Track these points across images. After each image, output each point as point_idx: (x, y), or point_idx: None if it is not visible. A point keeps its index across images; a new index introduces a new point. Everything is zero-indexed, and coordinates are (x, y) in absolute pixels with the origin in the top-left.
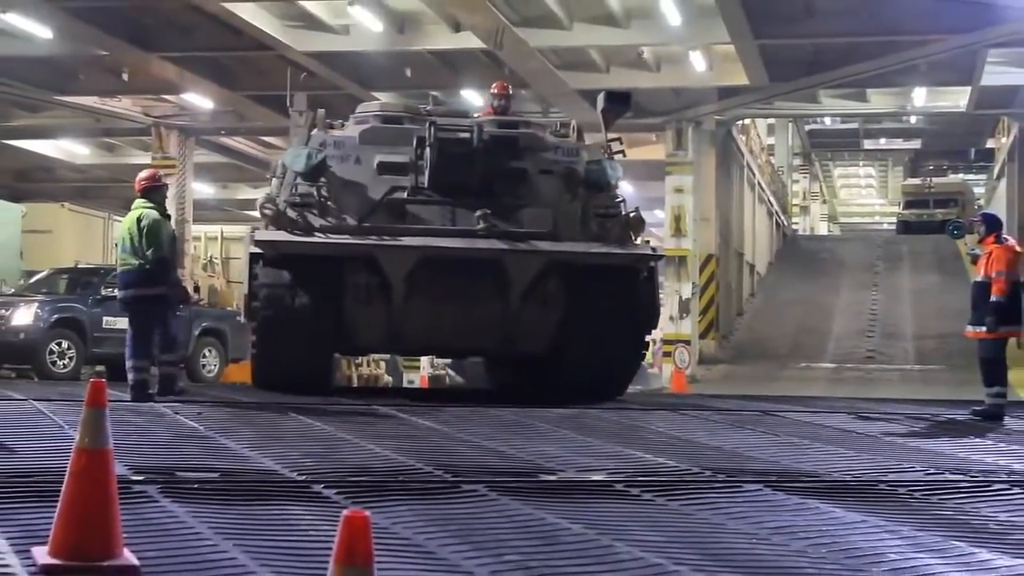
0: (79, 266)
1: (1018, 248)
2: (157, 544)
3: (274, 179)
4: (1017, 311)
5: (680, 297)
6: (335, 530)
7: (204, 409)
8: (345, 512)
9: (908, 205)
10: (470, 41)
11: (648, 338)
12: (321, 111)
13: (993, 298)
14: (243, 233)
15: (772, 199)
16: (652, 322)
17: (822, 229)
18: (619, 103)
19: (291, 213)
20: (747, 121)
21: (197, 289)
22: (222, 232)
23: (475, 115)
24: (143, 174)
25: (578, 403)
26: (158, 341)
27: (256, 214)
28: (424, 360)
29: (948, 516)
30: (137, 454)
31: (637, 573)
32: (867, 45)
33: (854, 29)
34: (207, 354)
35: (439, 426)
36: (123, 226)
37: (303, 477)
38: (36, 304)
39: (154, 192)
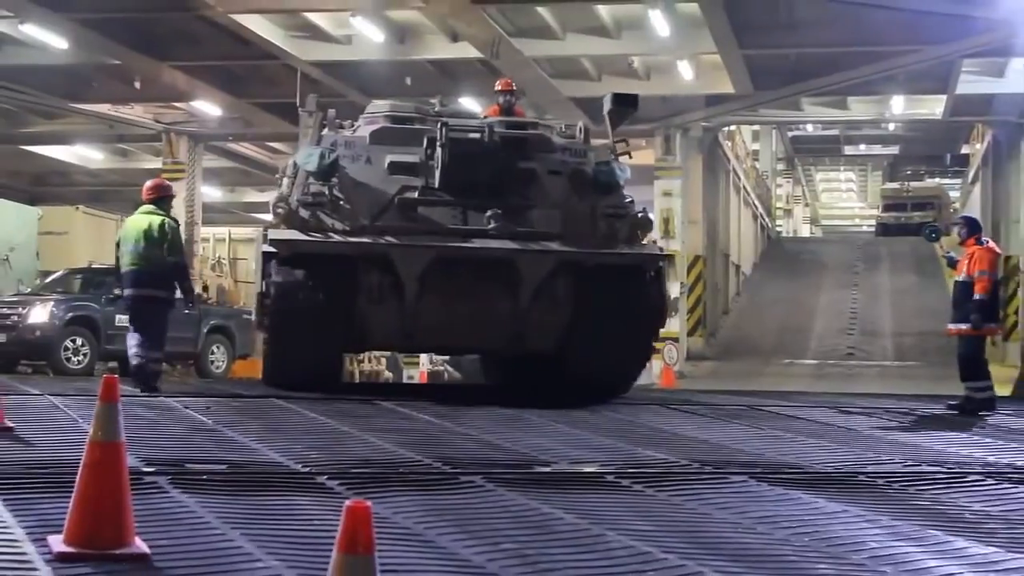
0: (93, 266)
1: (997, 249)
2: (167, 533)
3: (285, 179)
4: (996, 310)
5: (668, 296)
6: (338, 520)
7: (212, 404)
8: (347, 502)
9: (887, 208)
10: (467, 51)
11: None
12: (332, 110)
13: (977, 296)
14: (250, 235)
15: (757, 202)
16: (660, 321)
17: (805, 231)
18: (626, 105)
19: (303, 212)
20: (733, 128)
21: (206, 288)
22: (230, 234)
23: (482, 115)
24: (152, 183)
25: (578, 400)
26: (148, 339)
27: (263, 216)
28: (423, 357)
29: (925, 506)
30: (148, 447)
31: (627, 561)
32: (848, 55)
33: (835, 40)
34: (215, 350)
35: (438, 420)
36: (135, 228)
37: (307, 469)
38: (52, 303)
39: (164, 200)
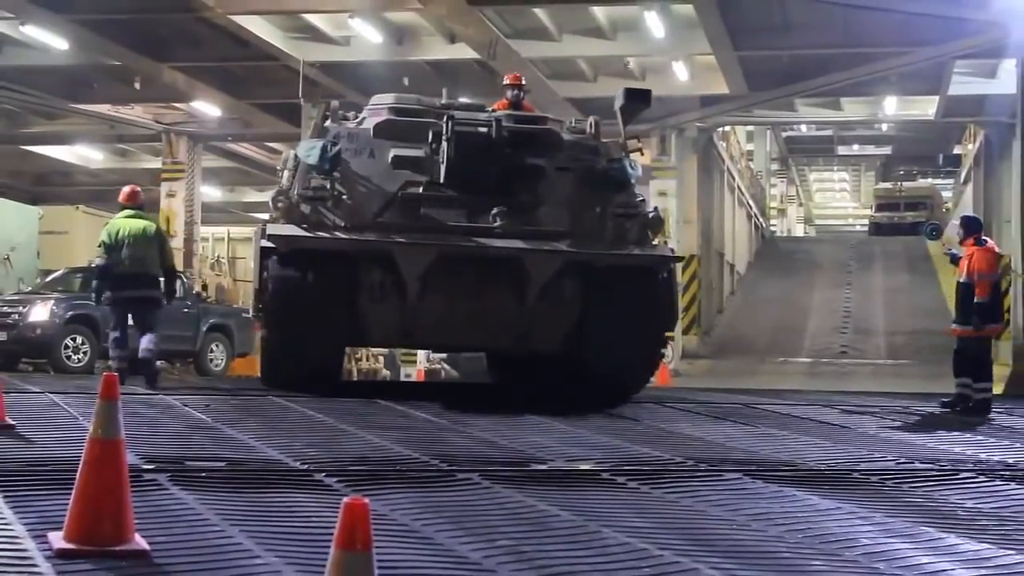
0: (93, 266)
1: (996, 249)
2: (167, 529)
3: (285, 172)
4: (998, 309)
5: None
6: (336, 516)
7: (211, 401)
8: (345, 499)
9: (880, 208)
10: (465, 52)
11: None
12: (335, 102)
13: (977, 300)
14: (249, 234)
15: (751, 202)
16: (671, 322)
17: (798, 231)
18: (639, 100)
19: (304, 207)
20: (727, 128)
21: (205, 287)
22: (229, 233)
23: (490, 108)
24: (132, 189)
25: (577, 399)
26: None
27: (262, 216)
28: (421, 355)
29: (918, 503)
30: (148, 444)
31: (623, 557)
32: (841, 57)
33: (829, 42)
34: (214, 349)
35: (435, 418)
36: (132, 231)
37: (305, 466)
38: (52, 302)
39: (142, 206)
